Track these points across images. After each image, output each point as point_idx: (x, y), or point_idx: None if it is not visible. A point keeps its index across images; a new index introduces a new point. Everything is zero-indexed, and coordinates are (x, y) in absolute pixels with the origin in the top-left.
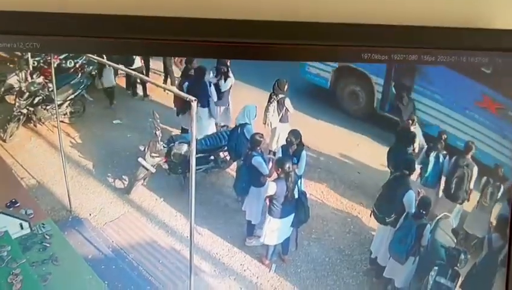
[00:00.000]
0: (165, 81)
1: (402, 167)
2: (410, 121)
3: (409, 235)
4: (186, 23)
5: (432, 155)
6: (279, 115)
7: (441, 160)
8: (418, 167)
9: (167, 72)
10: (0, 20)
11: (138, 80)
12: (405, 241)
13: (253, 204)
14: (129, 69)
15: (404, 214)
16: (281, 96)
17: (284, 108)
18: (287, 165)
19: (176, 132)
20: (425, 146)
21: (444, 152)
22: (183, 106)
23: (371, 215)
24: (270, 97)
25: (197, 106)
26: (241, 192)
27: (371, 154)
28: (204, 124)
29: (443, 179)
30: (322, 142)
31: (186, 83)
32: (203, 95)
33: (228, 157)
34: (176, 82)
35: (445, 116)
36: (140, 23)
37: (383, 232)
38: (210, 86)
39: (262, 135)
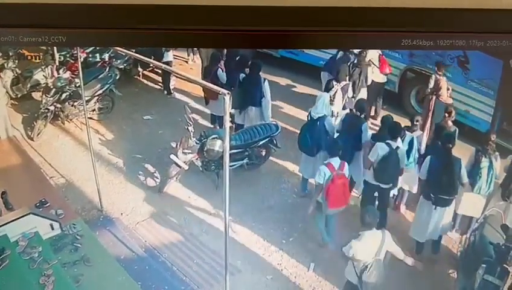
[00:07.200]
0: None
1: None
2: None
3: None
4: (226, 12)
5: (485, 161)
6: (342, 102)
7: (493, 165)
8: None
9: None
10: (25, 13)
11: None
12: None
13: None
14: (160, 62)
15: None
16: (344, 83)
17: (346, 95)
18: None
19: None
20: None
21: (496, 153)
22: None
23: None
24: (330, 84)
25: (249, 105)
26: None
27: None
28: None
29: (496, 182)
30: None
31: (242, 75)
32: (256, 92)
33: (263, 153)
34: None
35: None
36: (175, 12)
37: None
38: (264, 82)
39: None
